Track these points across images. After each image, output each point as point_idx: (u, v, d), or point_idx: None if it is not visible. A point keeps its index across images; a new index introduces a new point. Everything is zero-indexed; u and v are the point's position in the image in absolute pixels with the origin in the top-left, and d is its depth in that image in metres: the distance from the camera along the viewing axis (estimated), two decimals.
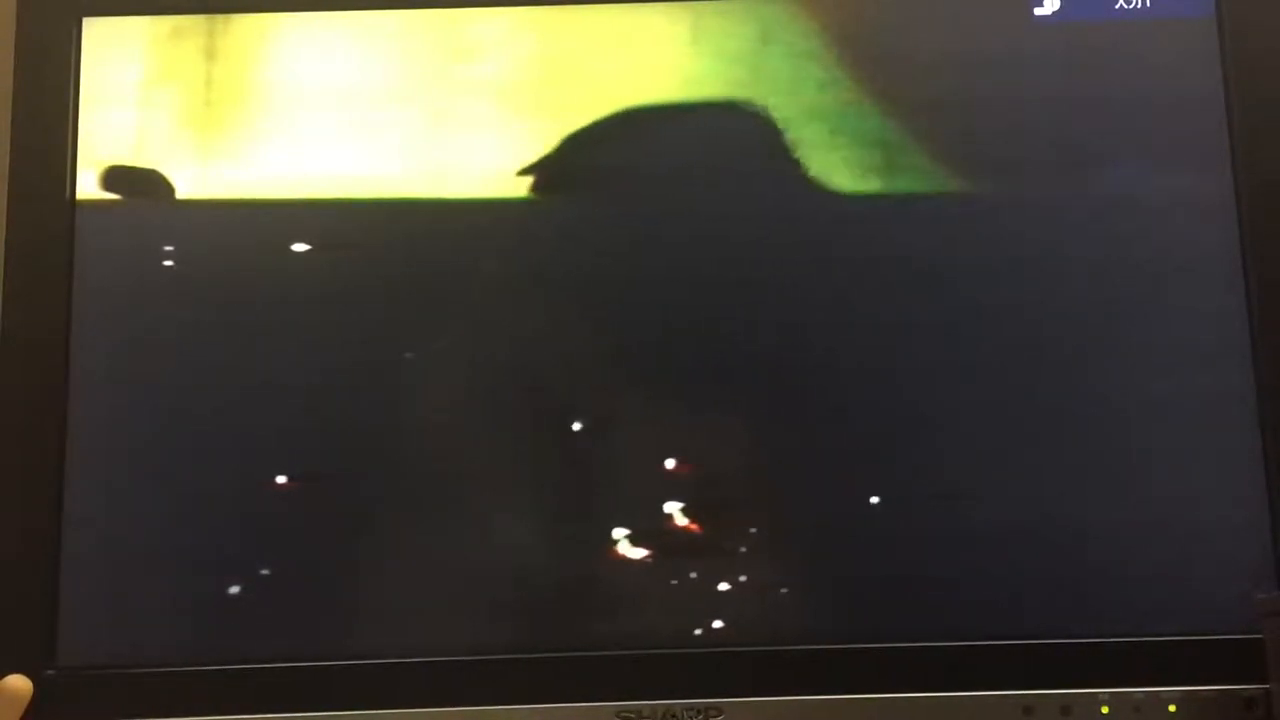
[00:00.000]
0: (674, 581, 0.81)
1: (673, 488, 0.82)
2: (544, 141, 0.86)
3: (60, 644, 0.80)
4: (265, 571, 0.81)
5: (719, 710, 0.79)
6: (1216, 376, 0.82)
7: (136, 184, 0.86)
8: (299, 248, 0.85)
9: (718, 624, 0.81)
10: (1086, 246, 0.84)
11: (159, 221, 0.86)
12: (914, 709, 0.78)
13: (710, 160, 0.86)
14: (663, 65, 0.87)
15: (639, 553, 0.81)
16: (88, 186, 0.86)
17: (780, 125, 0.86)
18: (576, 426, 0.83)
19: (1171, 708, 0.78)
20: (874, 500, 0.82)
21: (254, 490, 0.82)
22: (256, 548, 0.82)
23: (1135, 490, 0.81)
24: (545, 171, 0.86)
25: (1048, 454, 0.82)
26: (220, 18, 0.87)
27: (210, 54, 0.87)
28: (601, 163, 0.86)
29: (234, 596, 0.81)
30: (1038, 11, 0.87)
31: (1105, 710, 0.78)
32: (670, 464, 0.82)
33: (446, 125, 0.86)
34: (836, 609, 0.81)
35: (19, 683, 0.78)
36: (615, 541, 0.82)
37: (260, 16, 0.88)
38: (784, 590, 0.81)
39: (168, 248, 0.85)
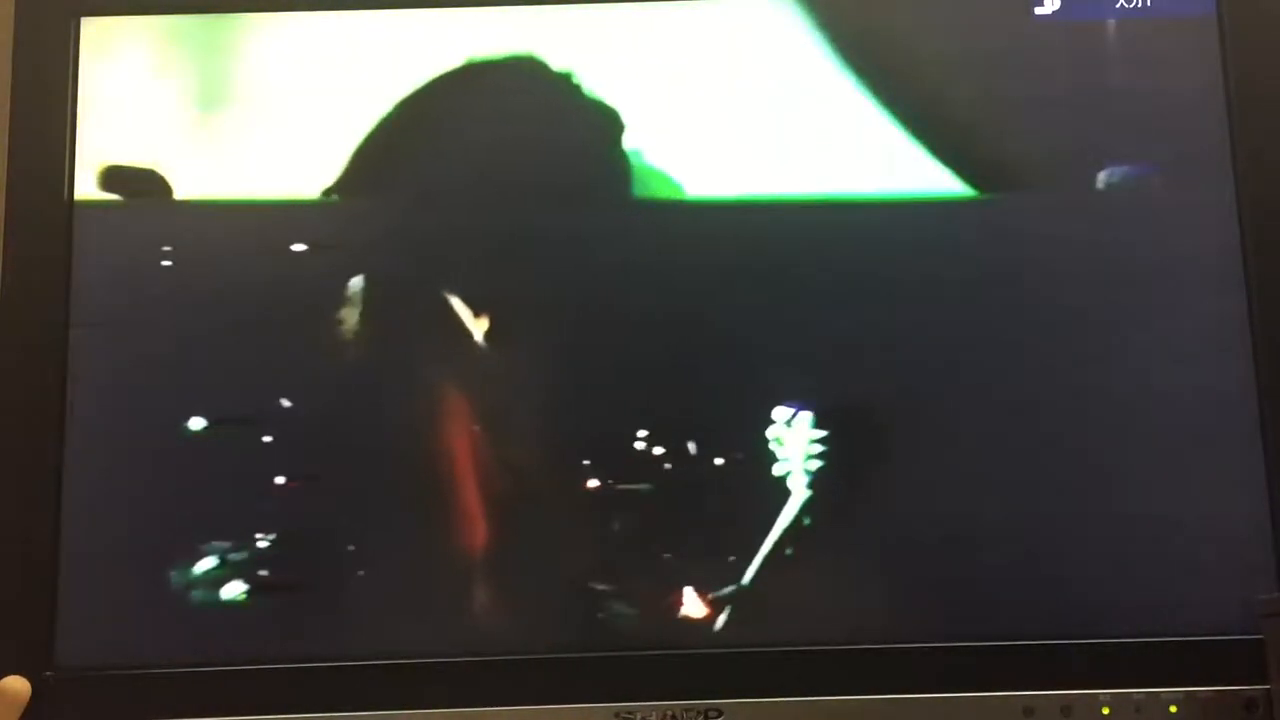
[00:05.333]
0: (674, 582, 0.81)
1: (672, 487, 0.82)
2: (547, 141, 0.86)
3: (59, 645, 0.80)
4: (264, 572, 0.81)
5: (719, 710, 0.78)
6: (1216, 376, 0.82)
7: (135, 184, 0.86)
8: (297, 248, 0.85)
9: (718, 624, 0.81)
10: (1086, 246, 0.84)
11: (157, 221, 0.86)
12: (914, 709, 0.78)
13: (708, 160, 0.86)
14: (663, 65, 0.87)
15: (639, 552, 0.81)
16: (86, 186, 0.86)
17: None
18: (577, 427, 0.83)
19: (1172, 708, 0.78)
20: (873, 502, 0.82)
21: (254, 491, 0.82)
22: (256, 548, 0.81)
23: (1135, 491, 0.81)
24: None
25: (1048, 454, 0.82)
26: (218, 18, 0.87)
27: (208, 54, 0.87)
28: None
29: (233, 597, 0.81)
30: (1038, 11, 0.87)
31: (1106, 711, 0.78)
32: (669, 465, 0.82)
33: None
34: (836, 610, 0.81)
35: (17, 684, 0.78)
36: (615, 541, 0.82)
37: (258, 16, 0.87)
38: (783, 591, 0.81)
39: (166, 248, 0.85)
